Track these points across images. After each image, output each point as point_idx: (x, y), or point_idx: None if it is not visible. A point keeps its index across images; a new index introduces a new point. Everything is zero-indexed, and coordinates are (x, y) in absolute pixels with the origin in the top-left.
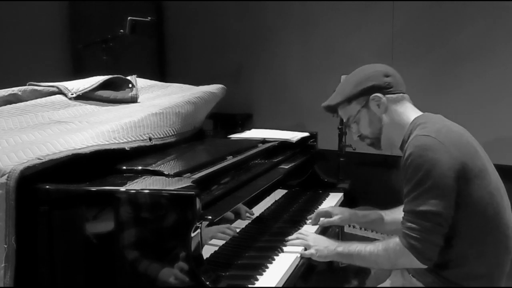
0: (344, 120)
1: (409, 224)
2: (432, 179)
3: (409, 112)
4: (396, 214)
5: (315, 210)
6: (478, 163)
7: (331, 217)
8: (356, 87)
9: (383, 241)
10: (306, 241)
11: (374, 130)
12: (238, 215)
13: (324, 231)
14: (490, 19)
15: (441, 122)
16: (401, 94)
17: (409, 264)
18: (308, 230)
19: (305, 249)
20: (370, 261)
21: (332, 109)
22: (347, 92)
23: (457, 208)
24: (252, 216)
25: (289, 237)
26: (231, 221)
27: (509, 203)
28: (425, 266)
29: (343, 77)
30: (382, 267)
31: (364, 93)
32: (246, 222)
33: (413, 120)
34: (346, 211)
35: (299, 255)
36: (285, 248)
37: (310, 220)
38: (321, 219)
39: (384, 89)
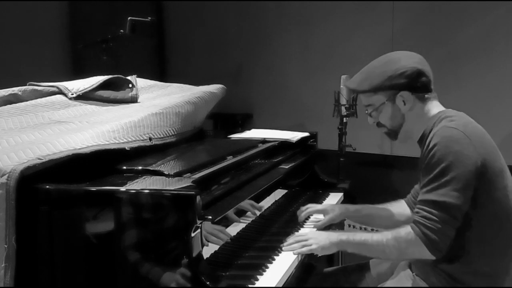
0: (364, 104)
1: (425, 213)
2: (455, 171)
3: (434, 108)
4: (390, 208)
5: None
6: (498, 164)
7: (323, 215)
8: (388, 80)
9: (392, 230)
10: (305, 240)
11: (394, 123)
12: (244, 213)
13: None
14: (490, 19)
15: (466, 118)
16: (431, 94)
17: (419, 255)
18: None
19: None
20: (377, 250)
21: (354, 92)
22: (376, 82)
23: (472, 205)
24: (258, 211)
25: (286, 243)
26: (234, 221)
27: None
28: (433, 258)
29: (343, 77)
30: (389, 257)
31: (394, 88)
32: (246, 222)
33: (437, 114)
34: (337, 208)
35: (299, 255)
36: (285, 248)
37: (307, 222)
38: (315, 219)
39: (415, 88)
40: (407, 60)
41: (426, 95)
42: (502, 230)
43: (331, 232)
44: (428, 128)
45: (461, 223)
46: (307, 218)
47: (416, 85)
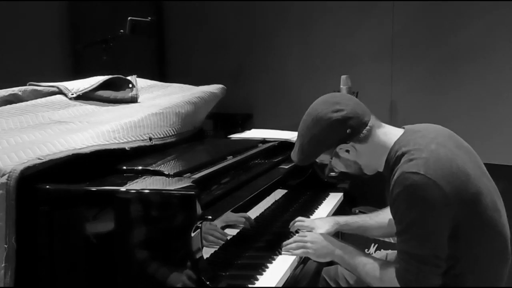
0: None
1: (406, 265)
2: (425, 221)
3: (385, 136)
4: (381, 217)
5: (315, 210)
6: (472, 190)
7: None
8: (319, 145)
9: (382, 266)
10: (304, 241)
11: (352, 169)
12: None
13: None
14: (490, 19)
15: (426, 147)
16: (368, 127)
17: None
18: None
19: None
20: (365, 279)
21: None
22: (311, 153)
23: (454, 239)
24: (249, 222)
25: (286, 242)
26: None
27: (506, 216)
28: None
29: (343, 77)
30: None
31: (329, 148)
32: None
33: (395, 144)
34: (327, 223)
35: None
36: (283, 249)
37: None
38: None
39: (348, 137)
40: (325, 112)
41: (364, 133)
42: (490, 251)
43: (333, 241)
44: (391, 159)
45: (445, 266)
46: (297, 231)
47: (346, 134)
